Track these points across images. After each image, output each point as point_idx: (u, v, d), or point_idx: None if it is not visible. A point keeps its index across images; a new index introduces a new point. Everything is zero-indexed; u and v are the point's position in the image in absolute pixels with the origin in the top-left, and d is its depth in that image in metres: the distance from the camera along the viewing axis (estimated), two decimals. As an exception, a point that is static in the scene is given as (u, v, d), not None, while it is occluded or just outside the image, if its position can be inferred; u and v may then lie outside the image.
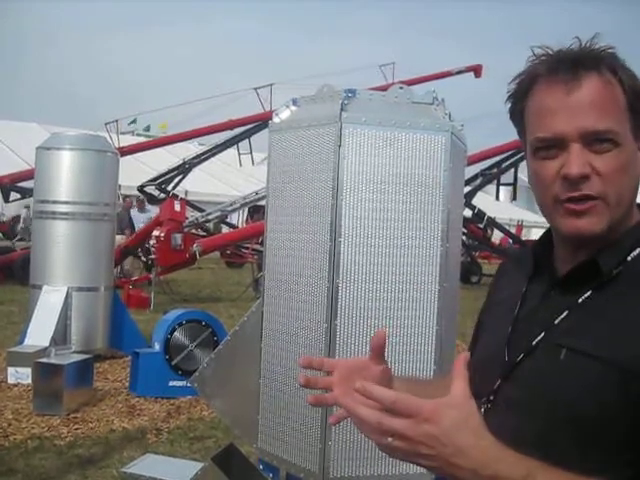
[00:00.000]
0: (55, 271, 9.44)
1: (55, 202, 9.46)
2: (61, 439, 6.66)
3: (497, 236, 28.26)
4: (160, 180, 21.30)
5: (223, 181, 35.46)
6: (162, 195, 20.79)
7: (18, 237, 24.84)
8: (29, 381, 8.10)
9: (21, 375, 8.31)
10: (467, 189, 17.57)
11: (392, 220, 3.55)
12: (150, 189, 21.27)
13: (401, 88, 3.79)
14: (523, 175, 17.92)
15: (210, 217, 19.20)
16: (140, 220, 20.22)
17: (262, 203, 16.09)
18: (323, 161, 3.59)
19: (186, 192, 25.59)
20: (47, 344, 8.65)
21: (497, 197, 23.44)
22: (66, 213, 9.44)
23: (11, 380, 8.34)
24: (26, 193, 18.21)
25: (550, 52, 1.47)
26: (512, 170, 20.62)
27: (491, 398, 1.54)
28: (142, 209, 21.57)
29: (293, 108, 3.92)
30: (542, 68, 1.46)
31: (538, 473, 1.24)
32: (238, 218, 27.15)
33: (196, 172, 23.57)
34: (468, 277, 21.47)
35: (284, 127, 3.86)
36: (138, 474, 5.75)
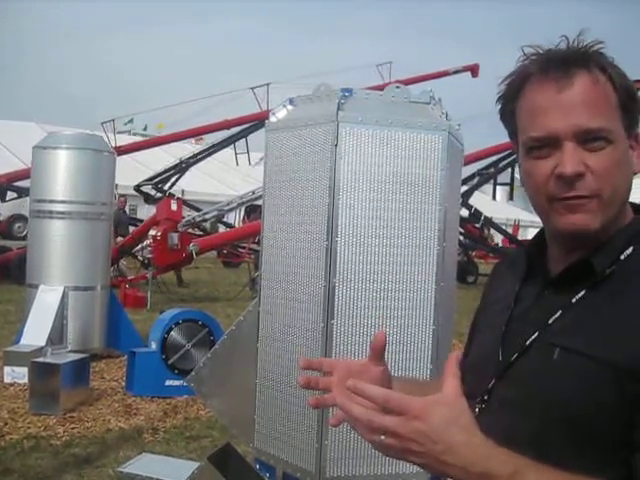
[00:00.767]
0: (52, 270, 9.43)
1: (52, 201, 9.45)
2: (57, 439, 6.65)
3: (499, 237, 28.31)
4: (157, 179, 21.30)
5: (220, 180, 35.45)
6: (159, 194, 20.79)
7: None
8: (25, 380, 8.09)
9: (17, 374, 8.30)
10: (464, 189, 17.57)
11: (389, 219, 3.55)
12: (147, 188, 21.27)
13: (398, 87, 3.79)
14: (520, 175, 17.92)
15: (207, 217, 19.17)
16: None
17: (259, 202, 16.08)
18: (320, 160, 3.58)
19: (183, 191, 25.56)
20: (43, 343, 8.64)
21: (494, 197, 23.41)
22: (63, 212, 9.43)
23: (7, 379, 8.33)
24: (23, 192, 18.19)
25: (540, 51, 1.47)
26: (509, 170, 20.67)
27: (485, 398, 1.54)
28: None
29: (290, 107, 3.92)
30: (533, 67, 1.46)
31: (528, 470, 1.24)
32: (235, 217, 27.15)
33: (193, 171, 23.58)
34: (465, 277, 21.49)
35: (281, 126, 3.85)
36: (134, 473, 5.74)
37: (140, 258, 17.60)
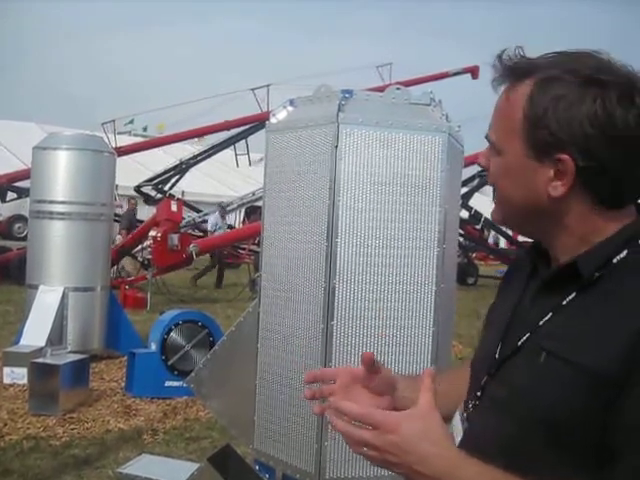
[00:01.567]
0: (51, 271, 9.42)
1: (52, 202, 9.45)
2: (57, 439, 6.65)
3: (502, 239, 28.27)
4: (157, 180, 21.31)
5: (220, 181, 35.44)
6: (159, 195, 20.79)
7: None
8: (25, 381, 8.08)
9: (17, 375, 8.29)
10: (464, 190, 17.56)
11: (389, 221, 3.55)
12: (147, 189, 21.28)
13: (398, 89, 3.79)
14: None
15: (207, 218, 19.20)
16: None
17: (259, 204, 16.10)
18: (320, 162, 3.59)
19: (183, 192, 25.57)
20: (43, 344, 8.63)
21: (494, 198, 23.42)
22: (63, 213, 9.43)
23: (7, 380, 8.32)
24: (23, 193, 18.18)
25: (501, 59, 1.52)
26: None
27: (479, 394, 1.57)
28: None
29: (290, 108, 3.92)
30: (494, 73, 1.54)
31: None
32: (235, 219, 27.17)
33: (193, 172, 23.58)
34: (464, 278, 21.47)
35: (281, 127, 3.85)
36: (134, 474, 5.74)
37: (140, 259, 17.60)
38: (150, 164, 27.14)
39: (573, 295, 1.45)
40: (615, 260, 1.43)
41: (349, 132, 3.53)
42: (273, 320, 3.84)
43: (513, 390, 1.47)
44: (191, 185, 28.18)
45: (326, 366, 3.51)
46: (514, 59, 1.48)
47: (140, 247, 16.84)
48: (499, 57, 1.50)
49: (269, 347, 3.86)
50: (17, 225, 27.37)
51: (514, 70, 1.48)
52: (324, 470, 3.55)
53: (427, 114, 3.70)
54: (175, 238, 14.69)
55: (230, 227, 22.64)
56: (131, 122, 41.21)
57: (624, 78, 1.39)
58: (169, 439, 6.81)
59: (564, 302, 1.45)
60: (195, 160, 21.99)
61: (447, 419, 1.60)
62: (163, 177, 21.37)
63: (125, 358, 8.88)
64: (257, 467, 4.01)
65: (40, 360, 7.81)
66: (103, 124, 22.41)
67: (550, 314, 1.46)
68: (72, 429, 6.95)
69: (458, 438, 1.57)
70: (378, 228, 3.54)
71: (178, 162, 21.57)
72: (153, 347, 8.29)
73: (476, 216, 19.91)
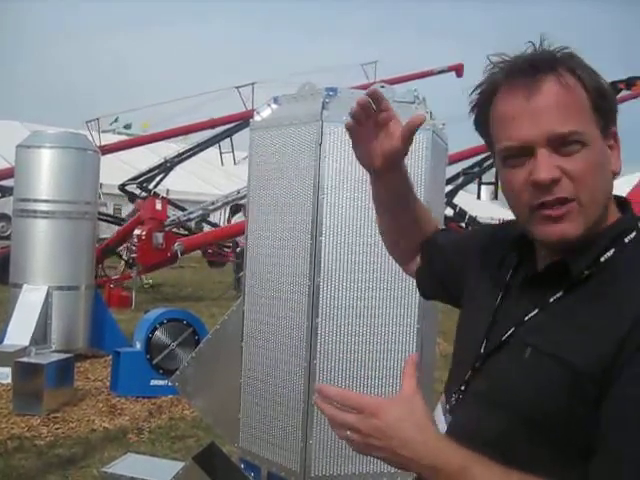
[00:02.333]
0: (35, 270, 9.38)
1: (35, 200, 9.41)
2: (41, 439, 6.62)
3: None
4: (141, 179, 21.24)
5: (205, 180, 35.36)
6: (143, 194, 20.72)
7: None
8: (9, 381, 8.03)
9: (1, 374, 8.24)
10: (448, 188, 17.61)
11: (373, 218, 3.54)
12: (131, 188, 21.20)
13: (383, 87, 3.79)
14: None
15: (192, 216, 19.14)
16: None
17: (244, 202, 16.07)
18: (304, 159, 3.58)
19: (167, 191, 25.50)
20: (27, 343, 8.60)
21: (478, 196, 23.46)
22: (46, 212, 9.39)
23: (-10, 380, 8.29)
24: (6, 192, 18.09)
25: (507, 59, 1.47)
26: (493, 169, 20.69)
27: (462, 388, 1.58)
28: None
29: (274, 106, 3.92)
30: (501, 75, 1.46)
31: (474, 465, 1.31)
32: (220, 217, 27.11)
33: (178, 171, 23.50)
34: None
35: (265, 125, 3.85)
36: (119, 474, 5.71)
37: (125, 258, 17.55)
38: (134, 162, 27.05)
39: (560, 293, 1.45)
40: (603, 259, 1.43)
41: (333, 130, 3.53)
42: (258, 318, 3.84)
43: (497, 385, 1.48)
44: (176, 183, 28.09)
45: (311, 364, 3.51)
46: (536, 55, 1.45)
47: (124, 246, 16.80)
48: (518, 58, 1.45)
49: (254, 345, 3.86)
50: (1, 224, 27.21)
51: (548, 62, 1.43)
52: (309, 468, 3.55)
53: (411, 112, 3.70)
54: (160, 237, 14.67)
55: (215, 225, 22.59)
56: (116, 121, 41.06)
57: None
58: (154, 438, 6.80)
59: (551, 299, 1.45)
60: (180, 158, 21.93)
61: None
62: (147, 175, 21.30)
63: (110, 357, 8.86)
64: (242, 465, 4.01)
65: (24, 359, 7.77)
66: (87, 122, 22.32)
67: (536, 310, 1.46)
68: (57, 429, 6.93)
69: (440, 429, 1.57)
70: (362, 225, 3.55)
71: (163, 160, 21.50)
72: (138, 346, 8.27)
73: (461, 214, 19.95)
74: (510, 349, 1.48)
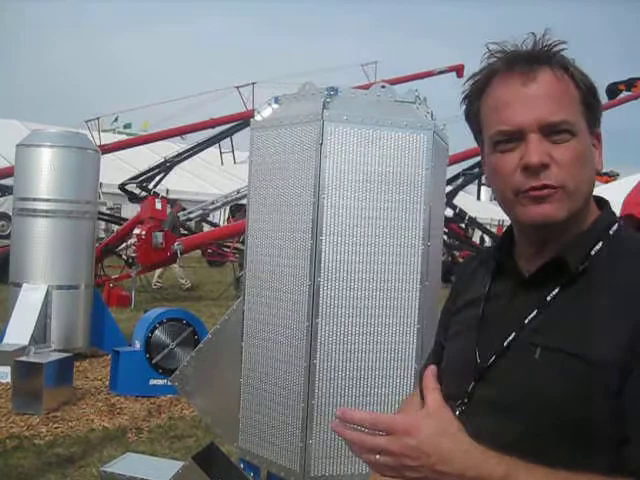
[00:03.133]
0: (35, 269, 9.38)
1: (35, 200, 9.40)
2: (40, 438, 6.62)
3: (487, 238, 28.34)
4: (141, 178, 21.25)
5: (205, 180, 35.37)
6: (143, 193, 20.73)
7: None
8: (8, 380, 8.03)
9: (0, 374, 8.25)
10: (449, 188, 17.60)
11: (373, 218, 3.55)
12: (131, 187, 21.21)
13: (383, 87, 3.79)
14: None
15: (191, 216, 19.16)
16: None
17: (244, 202, 16.07)
18: (305, 159, 3.58)
19: (167, 190, 25.51)
20: (27, 342, 8.59)
21: (478, 197, 23.51)
22: (46, 211, 9.38)
23: (-10, 379, 8.28)
24: (6, 191, 18.09)
25: (506, 49, 1.51)
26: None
27: (465, 400, 1.55)
28: None
29: (275, 106, 3.91)
30: (499, 64, 1.50)
31: (519, 471, 1.28)
32: (220, 217, 27.13)
33: (177, 170, 23.53)
34: (449, 277, 21.37)
35: (266, 125, 3.85)
36: (118, 473, 5.71)
37: (124, 257, 17.56)
38: (134, 162, 27.07)
39: (557, 291, 1.46)
40: (593, 252, 1.46)
41: (334, 129, 3.52)
42: (258, 318, 3.83)
43: (511, 389, 1.46)
44: (176, 183, 28.11)
45: (310, 364, 3.50)
46: (534, 47, 1.49)
47: (124, 245, 16.81)
48: (517, 49, 1.50)
49: (254, 345, 3.85)
50: (0, 223, 27.23)
51: (545, 54, 1.48)
52: (309, 468, 3.54)
53: (412, 112, 3.70)
54: (159, 236, 14.66)
55: (215, 225, 22.59)
56: (116, 120, 41.10)
57: None
58: (153, 438, 6.80)
59: (548, 298, 1.46)
60: (180, 158, 21.96)
61: None
62: (147, 175, 21.32)
63: (109, 357, 8.86)
64: (242, 465, 4.01)
65: (24, 359, 7.77)
66: (87, 122, 22.34)
67: (535, 311, 1.47)
68: (56, 428, 6.93)
69: None
70: (363, 225, 3.54)
71: (162, 160, 21.51)
72: (137, 345, 8.27)
73: (461, 214, 19.95)
74: (515, 353, 1.48)
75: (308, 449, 3.54)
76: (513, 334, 1.49)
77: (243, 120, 20.34)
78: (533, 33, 1.49)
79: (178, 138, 25.52)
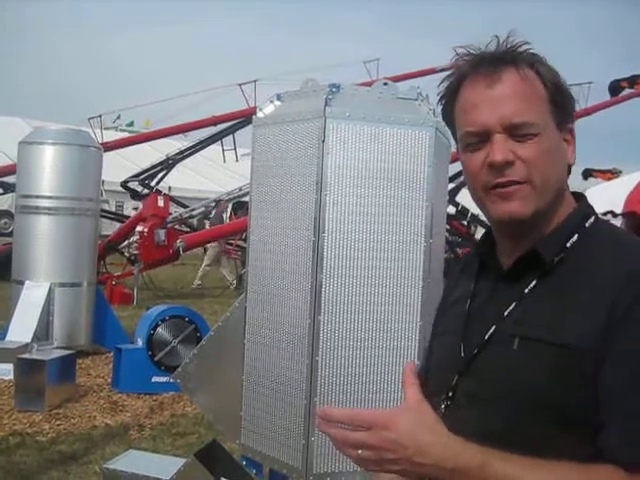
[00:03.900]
0: (37, 266, 9.39)
1: (38, 197, 9.42)
2: (43, 435, 6.64)
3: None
4: (143, 176, 21.22)
5: (207, 177, 35.36)
6: (145, 191, 20.72)
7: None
8: (11, 377, 8.04)
9: (3, 371, 8.26)
10: (451, 186, 17.59)
11: (376, 215, 3.54)
12: (133, 185, 21.20)
13: (385, 84, 3.78)
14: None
15: (194, 213, 19.15)
16: None
17: (246, 199, 16.07)
18: (307, 156, 3.58)
19: (169, 188, 25.49)
20: (29, 340, 8.61)
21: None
22: (49, 208, 9.39)
23: (-7, 376, 8.30)
24: (9, 188, 18.09)
25: (472, 51, 1.54)
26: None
27: (450, 394, 1.59)
28: None
29: (277, 103, 3.91)
30: (466, 67, 1.54)
31: (495, 460, 1.32)
32: (223, 214, 27.08)
33: (180, 168, 23.50)
34: (451, 274, 21.44)
35: (268, 122, 3.84)
36: (120, 470, 5.71)
37: (127, 254, 17.56)
38: (137, 159, 27.05)
39: (534, 283, 1.50)
40: (569, 244, 1.50)
41: (336, 126, 3.52)
42: (260, 315, 3.83)
43: (493, 381, 1.50)
44: (178, 181, 28.10)
45: (312, 361, 3.50)
46: (499, 48, 1.52)
47: (127, 242, 16.81)
48: (483, 51, 1.53)
49: (256, 342, 3.85)
50: (3, 220, 27.22)
51: (510, 55, 1.51)
52: (311, 465, 3.54)
53: (414, 109, 3.69)
54: (162, 234, 14.67)
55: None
56: (118, 118, 41.09)
57: None
58: (156, 435, 6.81)
59: (526, 290, 1.51)
60: (182, 155, 21.89)
61: None
62: (150, 172, 21.27)
63: (112, 354, 8.88)
64: (244, 462, 4.00)
65: (26, 356, 7.79)
66: (90, 119, 22.32)
67: (514, 304, 1.51)
68: (58, 425, 6.94)
69: None
70: (365, 222, 3.54)
71: (165, 157, 21.48)
72: (140, 343, 8.28)
73: (463, 212, 19.94)
74: (496, 345, 1.52)
75: (310, 446, 3.54)
76: (494, 327, 1.52)
77: (245, 117, 20.27)
78: (496, 35, 1.53)
79: (180, 136, 25.51)
